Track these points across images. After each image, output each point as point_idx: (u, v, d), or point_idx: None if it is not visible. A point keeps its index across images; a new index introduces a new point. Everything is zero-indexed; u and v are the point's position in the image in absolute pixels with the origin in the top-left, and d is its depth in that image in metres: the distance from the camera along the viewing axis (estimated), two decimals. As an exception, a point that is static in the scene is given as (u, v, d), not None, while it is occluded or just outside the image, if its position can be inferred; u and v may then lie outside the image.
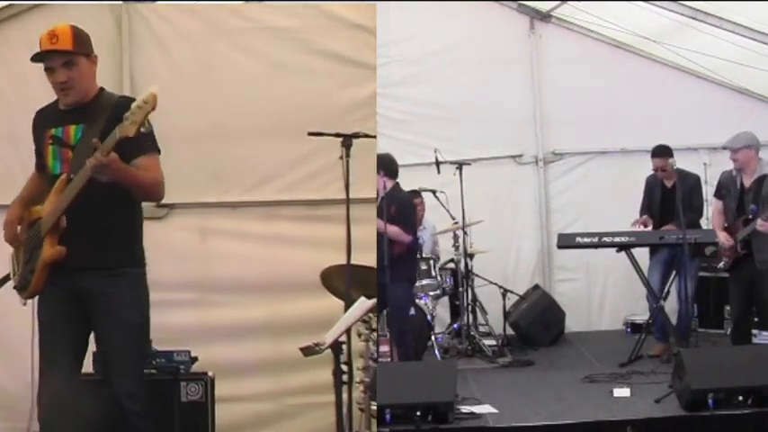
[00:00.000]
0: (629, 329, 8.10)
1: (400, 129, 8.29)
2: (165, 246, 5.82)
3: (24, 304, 4.00)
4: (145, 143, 3.90)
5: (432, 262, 7.43)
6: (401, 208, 6.31)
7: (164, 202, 5.87)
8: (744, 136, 6.17)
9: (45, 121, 4.04)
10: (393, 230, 6.09)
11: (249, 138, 6.01)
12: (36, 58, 3.88)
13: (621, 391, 5.83)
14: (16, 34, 6.07)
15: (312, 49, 6.03)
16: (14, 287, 4.07)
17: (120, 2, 6.15)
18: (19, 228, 4.07)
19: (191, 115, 6.02)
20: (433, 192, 7.68)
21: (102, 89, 4.06)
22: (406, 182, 7.85)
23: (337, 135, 4.79)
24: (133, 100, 3.83)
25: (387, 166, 6.37)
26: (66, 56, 3.86)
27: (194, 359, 5.15)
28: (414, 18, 8.35)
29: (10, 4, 6.08)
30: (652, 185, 7.17)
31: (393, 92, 8.12)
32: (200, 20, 6.12)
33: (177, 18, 6.14)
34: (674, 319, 7.03)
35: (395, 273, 6.00)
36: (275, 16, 6.10)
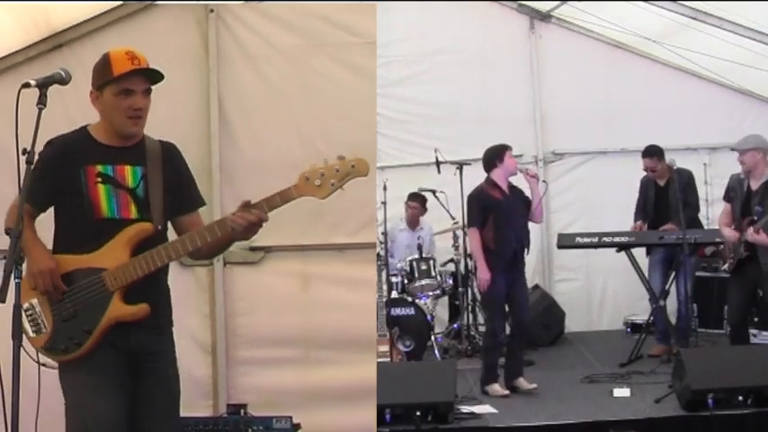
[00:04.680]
0: (629, 329, 8.10)
1: (400, 129, 8.31)
2: (262, 294, 5.39)
3: (56, 368, 3.34)
4: (199, 195, 3.59)
5: (432, 262, 7.44)
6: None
7: (259, 244, 5.26)
8: (752, 139, 6.10)
9: (80, 153, 3.39)
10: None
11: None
12: (118, 79, 3.30)
13: (621, 391, 5.84)
14: (90, 54, 5.14)
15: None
16: (45, 347, 3.33)
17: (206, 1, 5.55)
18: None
19: (290, 143, 5.38)
20: (433, 192, 7.70)
21: None
22: (406, 182, 7.91)
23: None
24: (173, 144, 3.53)
25: None
26: (148, 80, 3.37)
27: (297, 426, 4.74)
28: (414, 18, 8.36)
29: (84, 21, 5.54)
30: (646, 186, 7.17)
31: (393, 92, 8.13)
32: (297, 34, 5.50)
33: (270, 31, 5.53)
34: (673, 319, 7.04)
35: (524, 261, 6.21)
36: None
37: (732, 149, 6.12)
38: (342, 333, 5.25)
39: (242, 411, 4.94)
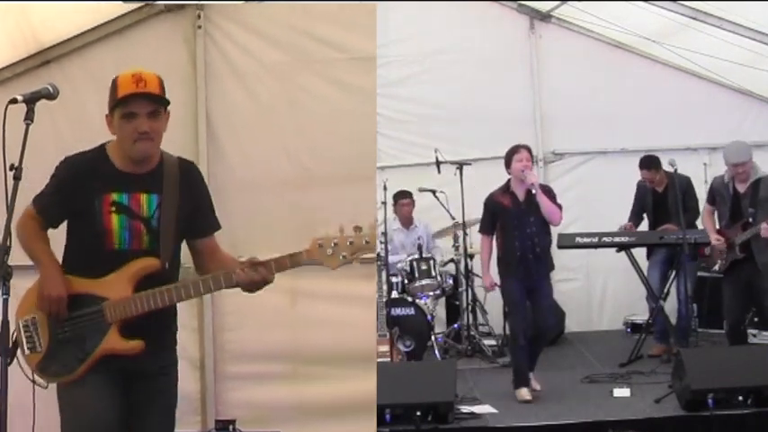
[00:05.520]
0: (629, 329, 8.10)
1: (400, 129, 8.31)
2: (250, 310, 5.38)
3: (46, 387, 3.34)
4: (214, 220, 3.56)
5: (432, 262, 7.43)
6: (554, 195, 6.02)
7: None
8: (745, 148, 6.08)
9: (97, 178, 3.33)
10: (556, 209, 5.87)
11: (345, 184, 5.19)
12: (121, 102, 3.26)
13: (621, 391, 5.84)
14: (78, 70, 5.58)
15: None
16: (38, 367, 3.32)
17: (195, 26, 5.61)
18: None
19: (279, 160, 5.44)
20: (433, 192, 7.69)
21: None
22: (406, 182, 7.91)
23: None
24: (192, 164, 3.51)
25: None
26: (154, 103, 3.29)
27: None
28: (414, 18, 8.35)
29: (71, 37, 5.60)
30: (643, 192, 7.17)
31: (393, 92, 8.13)
32: (284, 50, 5.56)
33: (258, 48, 5.59)
34: (673, 319, 7.04)
35: (547, 263, 6.01)
36: (371, 45, 5.44)
37: (734, 164, 6.02)
38: (331, 348, 5.28)
39: (230, 427, 4.98)
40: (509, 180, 5.97)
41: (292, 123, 5.48)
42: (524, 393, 5.84)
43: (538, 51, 8.52)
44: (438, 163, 7.54)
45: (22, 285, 3.40)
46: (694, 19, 6.87)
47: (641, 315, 7.76)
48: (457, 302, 7.70)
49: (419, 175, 8.03)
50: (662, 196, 6.99)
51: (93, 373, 3.28)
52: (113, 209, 3.31)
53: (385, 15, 7.24)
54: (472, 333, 7.38)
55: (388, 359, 6.27)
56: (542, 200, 5.80)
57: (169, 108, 3.37)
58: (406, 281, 7.35)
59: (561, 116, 8.48)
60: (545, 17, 8.49)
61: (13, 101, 3.02)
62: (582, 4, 7.74)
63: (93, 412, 3.24)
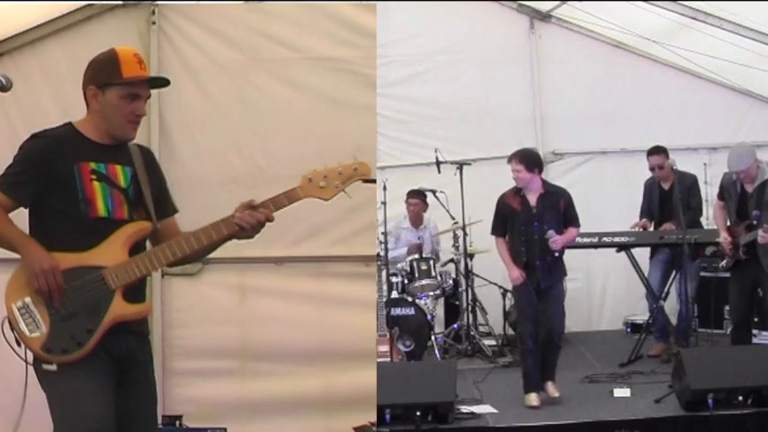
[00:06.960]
0: (629, 329, 8.10)
1: (400, 129, 8.31)
2: (200, 306, 5.43)
3: (55, 369, 3.14)
4: (173, 201, 3.55)
5: (431, 262, 7.44)
6: (569, 201, 5.84)
7: None
8: (747, 154, 5.98)
9: (71, 149, 3.24)
10: (573, 234, 5.78)
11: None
12: (127, 83, 3.24)
13: (621, 391, 5.84)
14: (31, 63, 5.56)
15: (368, 82, 5.40)
16: (43, 348, 3.13)
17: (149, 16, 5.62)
18: None
19: (229, 157, 5.48)
20: (433, 192, 7.70)
21: None
22: (406, 182, 7.92)
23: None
24: (151, 151, 3.53)
25: (537, 160, 5.80)
26: (150, 88, 3.35)
27: None
28: (414, 18, 8.36)
29: (25, 31, 5.57)
30: (650, 188, 7.17)
31: (393, 92, 8.13)
32: (238, 49, 5.59)
33: (212, 46, 5.63)
34: (673, 319, 7.04)
35: (559, 270, 5.80)
36: (325, 45, 5.49)
37: (736, 173, 5.98)
38: (278, 345, 5.31)
39: (177, 422, 4.96)
40: None
41: (245, 121, 5.52)
42: (532, 399, 5.73)
43: (538, 51, 8.52)
44: (438, 163, 7.54)
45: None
46: (694, 19, 6.87)
47: (641, 315, 7.76)
48: (457, 302, 7.70)
49: (419, 175, 8.03)
50: (668, 193, 6.97)
51: (93, 358, 3.15)
52: (94, 176, 3.25)
53: (385, 15, 7.24)
54: (472, 333, 7.38)
55: (388, 359, 6.27)
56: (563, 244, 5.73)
57: None
58: (406, 281, 7.35)
59: (561, 116, 8.48)
60: (545, 17, 8.49)
61: None
62: (582, 4, 7.74)
63: (94, 418, 3.10)
